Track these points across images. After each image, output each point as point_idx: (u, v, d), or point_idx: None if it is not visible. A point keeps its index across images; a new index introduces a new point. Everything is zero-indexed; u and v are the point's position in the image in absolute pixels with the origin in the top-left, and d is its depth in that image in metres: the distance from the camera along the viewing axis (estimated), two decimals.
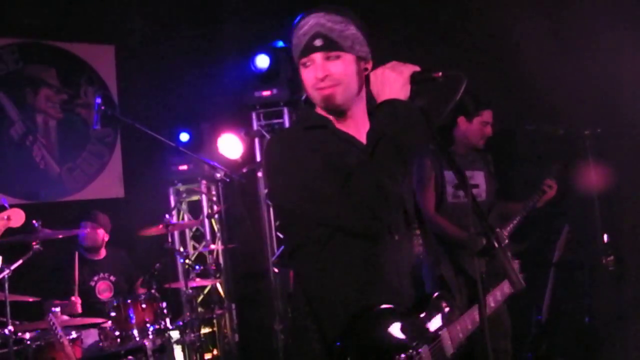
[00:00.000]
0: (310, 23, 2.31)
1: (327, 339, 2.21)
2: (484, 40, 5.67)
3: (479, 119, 4.51)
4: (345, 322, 2.19)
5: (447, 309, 2.44)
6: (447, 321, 2.42)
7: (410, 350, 2.23)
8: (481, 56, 5.67)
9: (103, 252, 5.93)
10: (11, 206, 4.09)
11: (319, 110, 2.41)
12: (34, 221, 4.60)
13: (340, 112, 2.37)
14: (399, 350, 2.20)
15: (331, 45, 2.30)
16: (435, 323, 2.39)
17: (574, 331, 5.46)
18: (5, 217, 3.36)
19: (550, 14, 5.49)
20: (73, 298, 5.21)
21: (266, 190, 6.61)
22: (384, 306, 2.24)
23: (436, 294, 2.45)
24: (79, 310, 5.22)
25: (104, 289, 5.75)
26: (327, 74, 2.29)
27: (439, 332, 2.38)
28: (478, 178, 4.56)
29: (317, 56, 2.31)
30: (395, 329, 2.23)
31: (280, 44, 6.70)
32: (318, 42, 2.30)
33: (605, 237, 4.96)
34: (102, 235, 5.89)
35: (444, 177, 4.42)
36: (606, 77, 5.04)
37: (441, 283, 2.52)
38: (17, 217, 3.40)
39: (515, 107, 5.59)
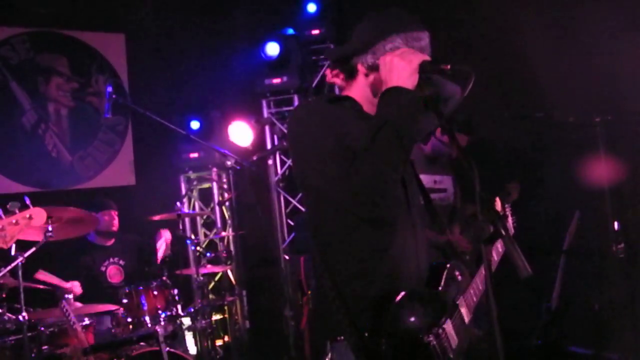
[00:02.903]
0: (427, 40, 2.39)
1: (355, 320, 2.23)
2: (491, 30, 5.66)
3: None
4: (374, 306, 2.22)
5: (460, 277, 2.50)
6: (461, 289, 2.49)
7: (436, 328, 2.28)
8: (488, 45, 5.66)
9: (113, 238, 5.97)
10: (25, 194, 4.12)
11: (346, 92, 2.46)
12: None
13: None
14: (427, 331, 2.25)
15: None
16: (452, 293, 2.45)
17: (583, 318, 5.46)
18: (27, 215, 3.37)
19: (557, 4, 5.47)
20: (69, 285, 5.24)
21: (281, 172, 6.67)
22: (410, 290, 2.26)
23: (449, 264, 2.49)
24: (77, 292, 5.25)
25: (114, 273, 5.78)
26: None
27: (457, 302, 2.44)
28: (446, 182, 4.62)
29: None
30: (420, 312, 2.27)
31: (290, 31, 6.71)
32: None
33: (616, 224, 4.95)
34: (117, 218, 5.93)
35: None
36: (616, 65, 5.01)
37: (450, 251, 2.58)
38: (38, 216, 3.42)
39: (523, 95, 5.58)
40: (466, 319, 2.45)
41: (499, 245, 2.85)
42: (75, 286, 5.27)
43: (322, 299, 2.33)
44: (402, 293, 2.24)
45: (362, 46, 2.39)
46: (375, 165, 2.14)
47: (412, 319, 2.24)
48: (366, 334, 2.19)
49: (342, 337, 2.26)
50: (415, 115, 2.20)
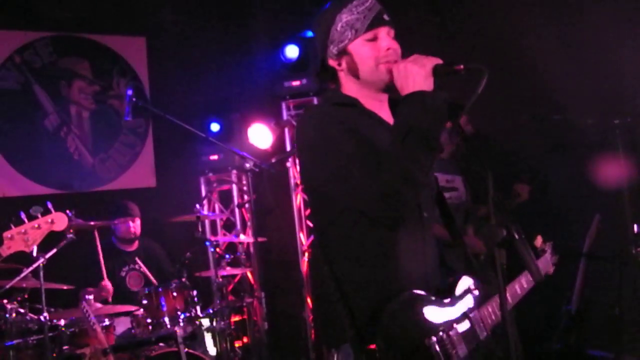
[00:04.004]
0: (372, 0, 2.37)
1: (358, 323, 2.23)
2: (509, 33, 5.64)
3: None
4: (375, 307, 2.22)
5: (476, 291, 2.48)
6: (477, 303, 2.46)
7: (441, 334, 2.26)
8: (506, 48, 5.63)
9: (136, 243, 6.00)
10: (47, 196, 4.18)
11: (345, 91, 2.44)
12: (67, 211, 4.68)
13: (388, 90, 2.40)
14: (430, 333, 2.23)
15: (394, 23, 2.38)
16: (465, 305, 2.42)
17: (603, 322, 5.42)
18: (49, 220, 3.45)
19: (575, 6, 5.45)
20: (103, 283, 5.30)
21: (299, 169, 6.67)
22: (414, 291, 2.26)
23: (464, 276, 2.48)
24: (111, 292, 5.31)
25: (134, 280, 5.81)
26: (395, 47, 2.36)
27: (470, 315, 2.41)
28: (457, 182, 4.64)
29: (385, 30, 2.37)
30: (426, 313, 2.26)
31: (310, 34, 6.72)
32: (387, 16, 2.37)
33: (635, 227, 4.91)
34: (135, 226, 5.97)
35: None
36: (635, 67, 4.98)
37: (468, 265, 2.55)
38: (60, 221, 3.50)
39: (541, 97, 5.55)
40: (481, 335, 2.41)
41: (523, 280, 2.81)
42: (108, 285, 5.33)
43: (327, 305, 2.33)
44: (405, 293, 2.23)
45: (322, 43, 2.42)
46: (406, 170, 2.14)
47: (414, 319, 2.23)
48: (368, 336, 2.18)
49: (347, 343, 2.25)
50: (441, 117, 2.21)
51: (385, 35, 2.36)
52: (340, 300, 2.28)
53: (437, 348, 2.22)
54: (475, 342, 2.38)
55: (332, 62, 2.42)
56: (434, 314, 2.29)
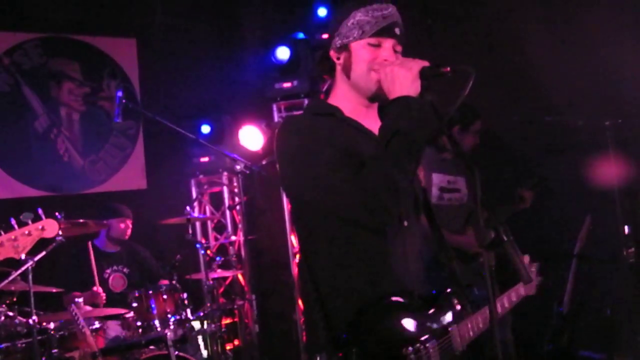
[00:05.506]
0: (392, 10, 2.38)
1: (332, 329, 2.23)
2: (501, 34, 5.64)
3: (474, 127, 4.61)
4: (353, 314, 2.20)
5: (458, 306, 2.45)
6: (457, 318, 2.43)
7: (418, 344, 2.23)
8: (497, 49, 5.64)
9: (119, 245, 5.95)
10: (37, 199, 4.16)
11: (330, 101, 2.45)
12: (56, 213, 4.65)
13: (376, 99, 2.40)
14: (407, 343, 2.20)
15: (403, 40, 2.40)
16: (445, 319, 2.39)
17: (595, 323, 5.43)
18: (40, 227, 3.42)
19: (566, 7, 5.46)
20: (95, 288, 5.27)
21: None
22: (393, 299, 2.24)
23: (448, 290, 2.46)
24: (103, 299, 5.29)
25: (117, 281, 5.76)
26: (394, 61, 2.35)
27: (449, 329, 2.38)
28: (459, 183, 4.62)
29: (391, 42, 2.37)
30: (404, 323, 2.24)
31: (301, 35, 6.72)
32: (398, 31, 2.38)
33: (626, 228, 4.92)
34: (131, 227, 5.94)
35: (431, 179, 4.47)
36: (626, 68, 4.98)
37: (453, 279, 2.53)
38: (50, 228, 3.47)
39: (533, 99, 5.55)
40: (455, 349, 2.38)
41: (521, 289, 2.82)
42: (100, 290, 5.29)
43: (308, 312, 2.33)
44: (384, 301, 2.22)
45: (331, 33, 2.44)
46: (389, 174, 2.13)
47: (391, 328, 2.21)
48: (343, 343, 2.16)
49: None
50: (426, 122, 2.20)
51: (389, 47, 2.36)
52: (316, 305, 2.28)
53: (413, 358, 2.19)
54: (450, 356, 2.35)
55: (332, 54, 2.44)
56: (413, 323, 2.26)
